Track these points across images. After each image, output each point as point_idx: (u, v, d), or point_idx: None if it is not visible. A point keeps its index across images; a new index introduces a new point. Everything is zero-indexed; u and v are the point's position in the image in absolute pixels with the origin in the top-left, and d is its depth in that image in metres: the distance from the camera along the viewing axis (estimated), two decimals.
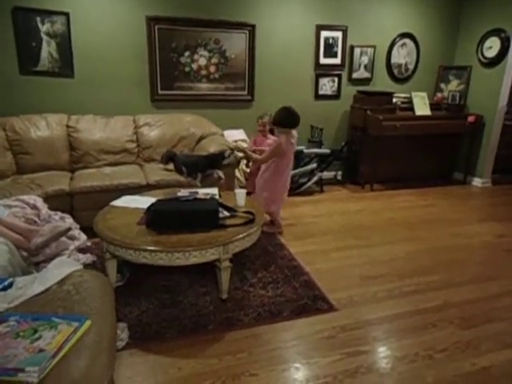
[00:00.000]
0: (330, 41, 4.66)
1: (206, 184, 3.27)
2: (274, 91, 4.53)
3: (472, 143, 4.99)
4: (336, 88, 4.86)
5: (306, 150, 4.48)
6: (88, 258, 2.75)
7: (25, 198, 2.75)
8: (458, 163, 5.29)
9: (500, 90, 4.66)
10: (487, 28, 4.73)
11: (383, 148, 4.66)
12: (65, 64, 3.82)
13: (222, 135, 4.08)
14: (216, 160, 3.34)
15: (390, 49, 4.93)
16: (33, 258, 2.46)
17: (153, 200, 2.47)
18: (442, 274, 2.78)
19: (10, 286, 1.61)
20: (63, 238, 2.64)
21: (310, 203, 4.23)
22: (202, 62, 4.26)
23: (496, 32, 4.63)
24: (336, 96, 4.90)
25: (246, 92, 4.51)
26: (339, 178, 5.02)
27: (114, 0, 3.84)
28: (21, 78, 3.73)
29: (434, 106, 4.93)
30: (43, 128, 3.57)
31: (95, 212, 2.54)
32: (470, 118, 4.83)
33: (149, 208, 2.35)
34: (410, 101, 4.83)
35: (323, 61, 4.71)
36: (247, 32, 4.31)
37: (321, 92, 4.82)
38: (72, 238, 2.79)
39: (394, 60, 5.00)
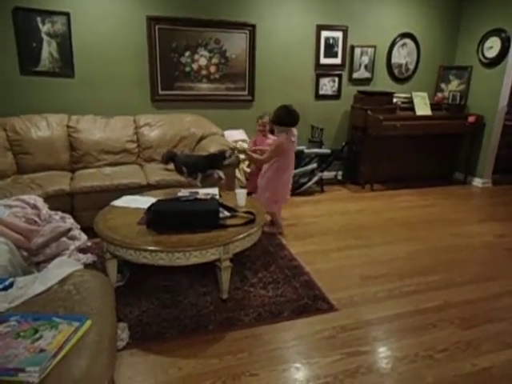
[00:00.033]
0: (331, 41, 4.66)
1: (206, 184, 3.27)
2: (275, 91, 4.53)
3: (472, 143, 4.99)
4: (336, 88, 4.86)
5: (306, 150, 4.48)
6: (88, 257, 2.76)
7: (25, 197, 2.75)
8: (458, 163, 5.29)
9: (500, 90, 4.65)
10: (488, 28, 4.73)
11: (383, 148, 4.66)
12: (65, 64, 3.82)
13: (223, 135, 4.08)
14: (216, 160, 3.33)
15: (390, 49, 4.93)
16: (33, 257, 2.46)
17: (153, 200, 2.48)
18: (443, 274, 2.77)
19: (11, 285, 1.61)
20: (64, 238, 2.64)
21: (310, 203, 4.23)
22: (203, 62, 4.26)
23: (496, 32, 4.63)
24: (336, 96, 4.90)
25: (246, 92, 4.51)
26: (339, 177, 5.02)
27: (114, 0, 3.85)
28: (21, 78, 3.73)
29: (434, 106, 4.93)
30: (44, 128, 3.57)
31: (95, 212, 2.54)
32: (471, 118, 4.83)
33: (149, 208, 2.36)
34: (410, 101, 4.83)
35: (323, 61, 4.71)
36: (247, 32, 4.31)
37: (321, 92, 4.82)
38: (72, 238, 2.79)
39: (394, 60, 5.00)
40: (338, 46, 4.70)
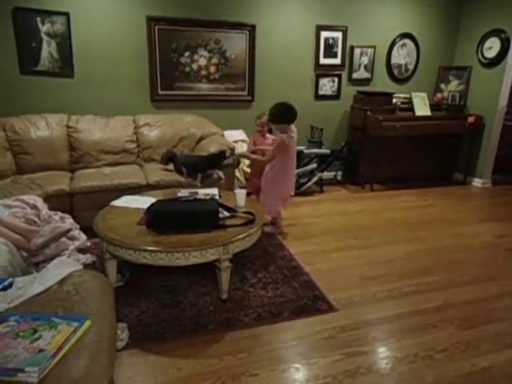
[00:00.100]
0: (330, 41, 4.66)
1: (206, 184, 3.27)
2: (274, 91, 4.52)
3: (472, 144, 4.99)
4: (336, 88, 4.86)
5: (306, 151, 4.48)
6: (88, 258, 2.75)
7: (25, 198, 2.75)
8: (458, 164, 5.30)
9: (500, 91, 4.66)
10: (487, 28, 4.73)
11: (383, 148, 4.66)
12: (65, 64, 3.82)
13: (222, 135, 4.08)
14: (216, 160, 3.33)
15: (390, 49, 4.94)
16: (33, 258, 2.46)
17: (153, 200, 2.47)
18: (442, 274, 2.77)
19: (10, 286, 1.61)
20: (63, 239, 2.64)
21: (309, 203, 4.23)
22: (202, 62, 4.26)
23: (496, 32, 4.63)
24: (336, 96, 4.90)
25: (246, 92, 4.51)
26: (339, 178, 5.01)
27: (114, 0, 3.85)
28: (21, 78, 3.73)
29: (433, 107, 4.93)
30: (43, 128, 3.57)
31: (95, 212, 2.54)
32: (470, 119, 4.83)
33: (149, 208, 2.35)
34: (409, 101, 4.83)
35: (323, 61, 4.71)
36: (247, 32, 4.31)
37: (321, 92, 4.82)
38: (72, 239, 2.79)
39: (394, 60, 5.00)
40: (337, 47, 4.70)
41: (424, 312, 2.32)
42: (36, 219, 2.65)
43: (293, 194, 3.38)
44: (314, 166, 4.52)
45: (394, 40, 4.92)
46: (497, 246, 3.28)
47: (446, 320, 2.25)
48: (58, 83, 3.85)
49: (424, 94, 4.90)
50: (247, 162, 3.98)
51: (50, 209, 2.85)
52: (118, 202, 2.71)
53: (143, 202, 2.62)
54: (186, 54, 4.18)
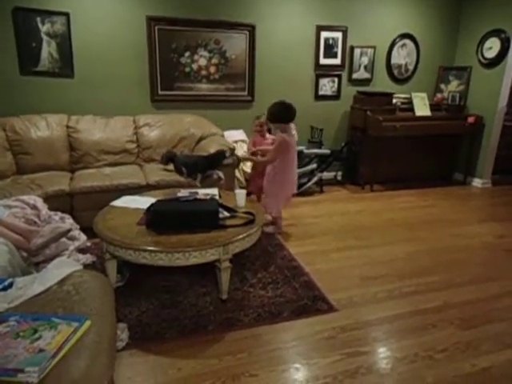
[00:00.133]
0: (330, 41, 4.66)
1: (205, 184, 3.27)
2: (274, 92, 4.52)
3: (472, 144, 4.99)
4: (336, 88, 4.87)
5: (306, 151, 4.47)
6: (88, 258, 2.75)
7: (25, 198, 2.75)
8: (457, 164, 5.30)
9: (500, 91, 4.66)
10: (487, 29, 4.74)
11: (383, 148, 4.66)
12: (65, 64, 3.82)
13: (222, 136, 4.08)
14: (216, 160, 3.33)
15: (390, 49, 4.94)
16: (33, 258, 2.46)
17: (153, 200, 2.47)
18: (442, 274, 2.77)
19: (10, 286, 1.61)
20: (63, 239, 2.64)
21: (309, 204, 4.23)
22: (202, 62, 4.26)
23: (496, 33, 4.63)
24: (336, 96, 4.90)
25: (246, 92, 4.51)
26: (339, 178, 5.01)
27: (114, 0, 3.85)
28: (21, 79, 3.73)
29: (433, 107, 4.93)
30: (43, 128, 3.57)
31: (95, 212, 2.54)
32: (470, 119, 4.83)
33: (149, 208, 2.35)
34: (409, 101, 4.83)
35: (323, 61, 4.71)
36: (247, 32, 4.31)
37: (321, 92, 4.82)
38: (72, 239, 2.79)
39: (394, 60, 5.00)
40: (337, 47, 4.70)
41: (424, 312, 2.32)
42: (36, 219, 2.65)
43: (295, 192, 3.38)
44: (313, 166, 4.52)
45: (394, 40, 4.92)
46: (497, 246, 3.28)
47: (446, 320, 2.25)
48: (58, 83, 3.86)
49: (424, 95, 4.90)
50: (249, 163, 3.98)
51: (50, 209, 2.85)
52: (117, 203, 2.71)
53: (143, 202, 2.62)
54: (186, 54, 4.18)
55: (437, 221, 3.80)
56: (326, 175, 4.75)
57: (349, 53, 4.78)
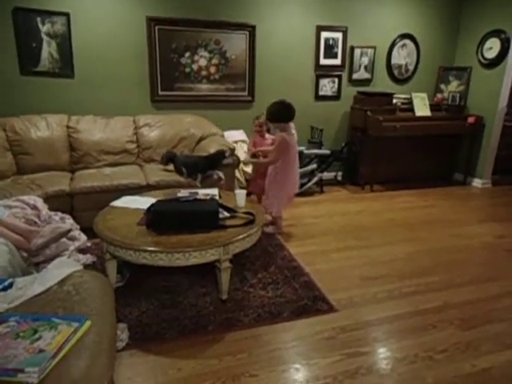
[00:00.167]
0: (330, 42, 4.67)
1: (206, 185, 3.27)
2: (275, 92, 4.51)
3: (472, 144, 4.99)
4: (336, 89, 4.87)
5: (306, 151, 4.48)
6: (88, 258, 2.75)
7: (25, 198, 2.75)
8: (458, 164, 5.30)
9: (500, 91, 4.66)
10: (487, 29, 4.74)
11: (383, 149, 4.66)
12: (65, 64, 3.82)
13: (222, 136, 4.08)
14: (216, 160, 3.34)
15: (390, 50, 4.94)
16: (33, 258, 2.46)
17: (153, 200, 2.48)
18: (442, 274, 2.77)
19: (10, 286, 1.61)
20: (63, 239, 2.64)
21: (310, 204, 4.23)
22: (203, 62, 4.26)
23: (496, 33, 4.63)
24: (336, 97, 4.90)
25: (246, 93, 4.51)
26: (339, 178, 5.02)
27: (114, 0, 3.85)
28: (21, 79, 3.73)
29: (434, 107, 4.93)
30: (43, 128, 3.57)
31: (95, 212, 2.54)
32: (470, 119, 4.83)
33: (149, 208, 2.35)
34: (410, 102, 4.84)
35: (323, 62, 4.71)
36: (247, 33, 4.31)
37: (321, 93, 4.82)
38: (72, 239, 2.79)
39: (394, 61, 5.00)
40: (337, 47, 4.70)
41: (424, 312, 2.32)
42: (36, 220, 2.65)
43: (297, 191, 3.38)
44: (314, 166, 4.52)
45: (394, 40, 4.92)
46: (497, 246, 3.28)
47: (446, 320, 2.25)
48: (59, 83, 3.86)
49: (424, 95, 4.90)
50: (246, 160, 3.98)
51: (50, 209, 2.85)
52: (118, 203, 2.71)
53: (143, 202, 2.62)
54: (187, 54, 4.18)
55: (437, 221, 3.80)
56: (326, 175, 4.75)
57: (349, 53, 4.78)
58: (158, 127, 3.96)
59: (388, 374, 1.84)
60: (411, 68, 5.11)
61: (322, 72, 4.76)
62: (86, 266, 2.60)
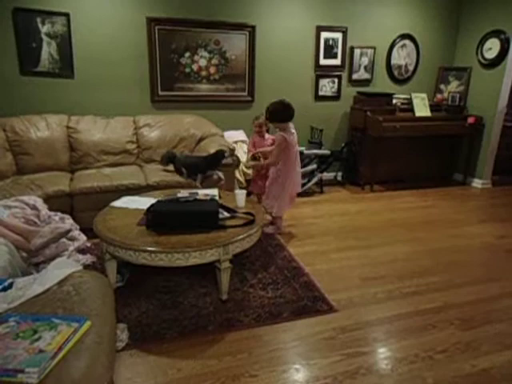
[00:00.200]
0: (330, 42, 4.67)
1: (206, 185, 3.27)
2: (274, 92, 4.52)
3: (472, 144, 4.99)
4: (336, 89, 4.87)
5: (306, 151, 4.48)
6: (88, 258, 2.75)
7: (25, 198, 2.75)
8: (457, 164, 5.30)
9: (500, 92, 4.66)
10: (487, 29, 4.74)
11: (383, 149, 4.66)
12: (65, 65, 3.82)
13: (222, 136, 4.08)
14: (215, 160, 3.34)
15: (389, 50, 4.94)
16: (33, 258, 2.46)
17: (153, 201, 2.47)
18: (442, 275, 2.77)
19: (10, 286, 1.61)
20: (63, 239, 2.64)
21: (309, 204, 4.23)
22: (202, 62, 4.26)
23: (496, 33, 4.63)
24: (336, 97, 4.91)
25: (246, 93, 4.51)
26: (339, 178, 5.02)
27: (114, 1, 3.85)
28: (21, 79, 3.73)
29: (433, 107, 4.93)
30: (43, 129, 3.57)
31: (95, 213, 2.54)
32: (470, 119, 4.84)
33: (149, 209, 2.35)
34: (409, 102, 4.83)
35: (323, 62, 4.72)
36: (247, 33, 4.31)
37: (321, 93, 4.82)
38: (72, 239, 2.79)
39: (394, 61, 5.00)
40: (337, 47, 4.71)
41: (424, 313, 2.32)
42: (36, 220, 2.65)
43: (300, 191, 3.38)
44: (314, 166, 4.52)
45: (394, 41, 4.92)
46: (497, 246, 3.28)
47: (445, 321, 2.25)
48: (59, 84, 3.86)
49: (424, 95, 4.90)
50: (248, 163, 3.98)
51: (50, 209, 2.85)
52: (117, 203, 2.71)
53: (143, 202, 2.62)
54: (186, 54, 4.18)
55: (437, 221, 3.80)
56: (326, 176, 4.76)
57: (349, 53, 4.78)
58: (158, 127, 3.97)
59: (388, 374, 1.84)
60: (411, 68, 5.11)
61: (321, 72, 4.76)
62: (86, 267, 2.60)
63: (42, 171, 3.43)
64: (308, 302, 2.37)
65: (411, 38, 4.98)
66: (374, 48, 4.84)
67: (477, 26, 4.89)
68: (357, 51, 4.79)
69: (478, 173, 5.05)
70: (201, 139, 4.00)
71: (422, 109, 4.81)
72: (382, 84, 5.03)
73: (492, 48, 4.69)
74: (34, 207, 2.73)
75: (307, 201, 4.32)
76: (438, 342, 2.06)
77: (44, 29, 3.67)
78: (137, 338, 2.02)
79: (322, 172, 4.59)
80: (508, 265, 2.98)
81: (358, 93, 4.86)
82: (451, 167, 5.35)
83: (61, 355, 1.21)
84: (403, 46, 4.98)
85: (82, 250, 2.82)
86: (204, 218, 2.30)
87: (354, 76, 4.89)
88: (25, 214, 2.61)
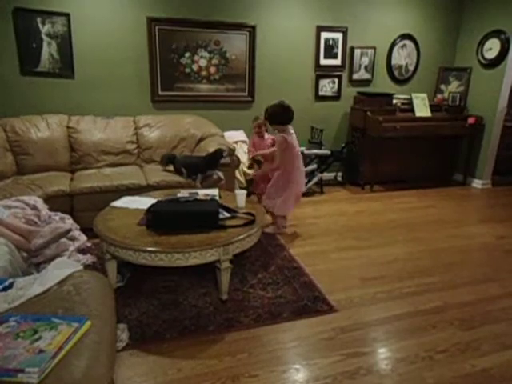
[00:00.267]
0: (331, 42, 4.67)
1: (206, 185, 3.27)
2: (275, 92, 4.52)
3: (472, 145, 4.99)
4: (336, 89, 4.87)
5: (306, 151, 4.48)
6: (88, 258, 2.75)
7: (25, 198, 2.75)
8: (457, 165, 5.30)
9: (500, 92, 4.66)
10: (487, 29, 4.74)
11: (383, 149, 4.66)
12: (65, 65, 3.83)
13: (222, 136, 4.08)
14: (214, 159, 3.34)
15: (390, 50, 4.94)
16: (33, 258, 2.46)
17: (153, 201, 2.48)
18: (442, 275, 2.78)
19: (11, 286, 1.62)
20: (63, 239, 2.64)
21: (310, 204, 4.23)
22: (203, 63, 4.26)
23: (496, 33, 4.63)
24: (336, 97, 4.91)
25: (246, 93, 4.51)
26: (339, 179, 5.02)
27: (114, 1, 3.85)
28: (21, 79, 3.73)
29: (434, 108, 4.93)
30: (43, 129, 3.57)
31: (95, 213, 2.54)
32: (470, 120, 4.84)
33: (149, 209, 2.35)
34: (410, 102, 4.84)
35: (323, 62, 4.72)
36: (247, 33, 4.31)
37: (321, 93, 4.82)
38: (72, 239, 2.79)
39: (394, 61, 5.00)
40: (337, 47, 4.71)
41: (424, 313, 2.33)
42: (36, 220, 2.65)
43: (304, 190, 3.39)
44: (314, 166, 4.52)
45: (395, 41, 4.92)
46: (497, 247, 3.28)
47: (445, 321, 2.25)
48: (59, 84, 3.86)
49: (424, 95, 4.90)
50: (247, 163, 3.99)
51: (51, 209, 2.85)
52: (118, 203, 2.71)
53: (143, 202, 2.62)
54: (187, 54, 4.19)
55: (437, 221, 3.80)
56: (327, 176, 4.76)
57: (349, 53, 4.78)
58: (158, 128, 3.97)
59: (388, 375, 1.84)
60: (411, 68, 5.11)
61: (322, 72, 4.76)
62: (86, 266, 2.60)
63: (43, 171, 3.43)
64: (308, 302, 2.37)
65: (411, 38, 4.98)
66: (375, 48, 4.84)
67: (477, 26, 4.90)
68: (357, 51, 4.79)
69: (478, 173, 5.05)
70: (201, 139, 4.01)
71: (422, 109, 4.82)
72: (382, 84, 5.03)
73: (492, 48, 4.69)
74: (34, 207, 2.73)
75: (307, 201, 4.32)
76: (438, 342, 2.06)
77: (44, 29, 3.68)
78: (137, 337, 2.02)
79: (322, 172, 4.59)
80: (508, 265, 2.98)
81: (359, 93, 4.86)
82: (451, 167, 5.34)
83: (61, 355, 1.21)
84: (403, 46, 4.98)
85: (82, 250, 2.82)
86: (204, 218, 2.30)
87: (355, 76, 4.89)
88: (25, 214, 2.61)
